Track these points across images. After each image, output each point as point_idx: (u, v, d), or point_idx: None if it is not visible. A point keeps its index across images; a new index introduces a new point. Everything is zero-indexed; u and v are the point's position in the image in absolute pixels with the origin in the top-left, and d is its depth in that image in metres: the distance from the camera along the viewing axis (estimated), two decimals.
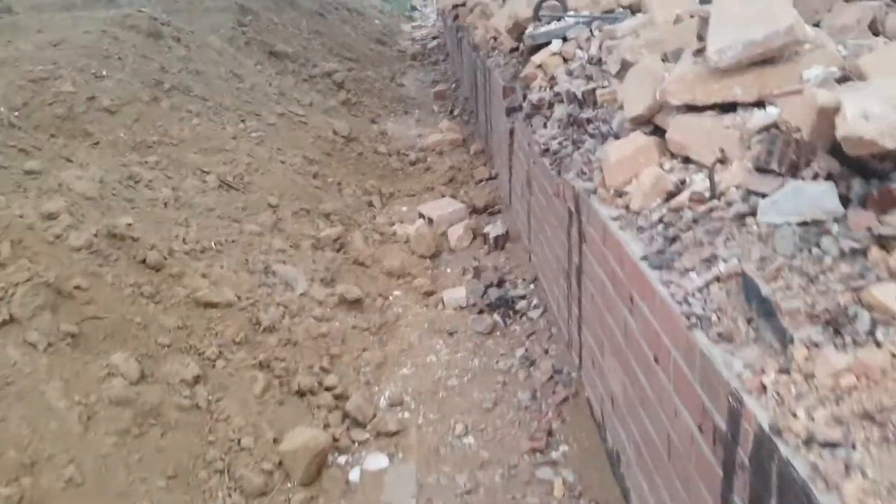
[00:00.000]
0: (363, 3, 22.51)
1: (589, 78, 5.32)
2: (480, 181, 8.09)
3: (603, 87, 5.03)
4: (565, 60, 6.33)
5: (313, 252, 5.75)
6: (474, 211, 7.21)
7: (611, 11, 6.48)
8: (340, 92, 11.39)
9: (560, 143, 5.16)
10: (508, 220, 6.95)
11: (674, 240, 2.99)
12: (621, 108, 4.16)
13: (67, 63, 6.65)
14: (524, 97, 6.91)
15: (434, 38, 19.13)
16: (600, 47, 5.63)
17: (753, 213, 2.60)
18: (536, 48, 6.59)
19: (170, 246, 4.76)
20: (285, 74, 11.09)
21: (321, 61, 12.21)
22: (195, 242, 5.04)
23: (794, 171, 2.56)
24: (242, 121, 7.51)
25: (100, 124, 6.15)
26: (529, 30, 6.71)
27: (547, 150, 5.24)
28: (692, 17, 4.94)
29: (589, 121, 4.89)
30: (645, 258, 2.93)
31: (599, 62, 5.51)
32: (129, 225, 4.60)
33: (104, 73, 6.76)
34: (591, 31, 6.31)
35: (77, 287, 3.78)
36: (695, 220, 2.98)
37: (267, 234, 5.70)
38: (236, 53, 9.46)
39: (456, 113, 11.40)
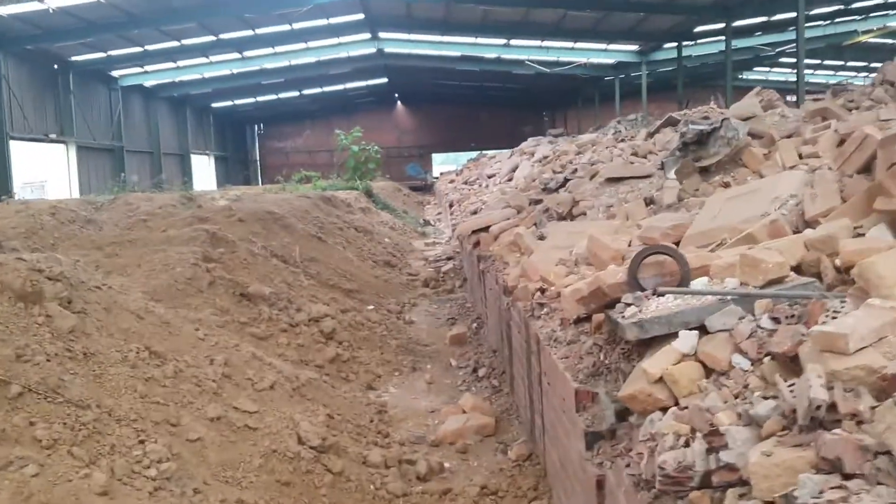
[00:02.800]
0: (373, 221, 20.08)
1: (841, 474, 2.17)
2: None
3: None
4: (709, 371, 3.24)
5: None
6: None
7: (779, 281, 3.44)
8: (329, 346, 8.33)
9: None
10: None
11: None
12: None
13: None
14: (621, 419, 3.78)
15: (449, 258, 16.42)
16: (826, 381, 2.53)
17: None
18: (644, 340, 3.54)
19: None
20: (257, 324, 8.09)
21: (309, 302, 9.24)
22: None
23: None
24: (141, 441, 4.33)
25: None
26: (631, 311, 3.63)
27: None
28: None
29: None
30: None
31: (834, 412, 2.41)
32: None
33: None
34: (755, 319, 3.25)
35: None
36: None
37: None
38: (170, 312, 6.46)
39: (481, 373, 8.25)
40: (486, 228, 10.67)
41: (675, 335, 3.37)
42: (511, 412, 7.09)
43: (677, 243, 5.62)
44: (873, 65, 36.50)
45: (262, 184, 45.75)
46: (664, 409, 3.23)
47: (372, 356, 8.58)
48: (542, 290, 5.92)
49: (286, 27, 28.97)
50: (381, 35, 33.04)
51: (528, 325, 5.84)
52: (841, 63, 41.67)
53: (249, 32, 29.33)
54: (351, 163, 28.14)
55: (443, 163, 56.57)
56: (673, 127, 15.83)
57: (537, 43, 32.67)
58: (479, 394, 7.67)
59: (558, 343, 4.95)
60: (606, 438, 3.82)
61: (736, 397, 2.94)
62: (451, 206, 21.88)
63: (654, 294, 3.72)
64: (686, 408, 3.01)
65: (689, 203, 7.63)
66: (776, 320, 3.16)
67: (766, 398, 2.73)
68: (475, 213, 15.52)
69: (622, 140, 17.31)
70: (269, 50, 33.41)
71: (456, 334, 9.81)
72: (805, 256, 3.72)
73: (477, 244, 10.84)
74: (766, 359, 2.98)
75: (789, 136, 8.76)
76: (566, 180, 12.77)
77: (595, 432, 3.85)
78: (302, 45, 32.97)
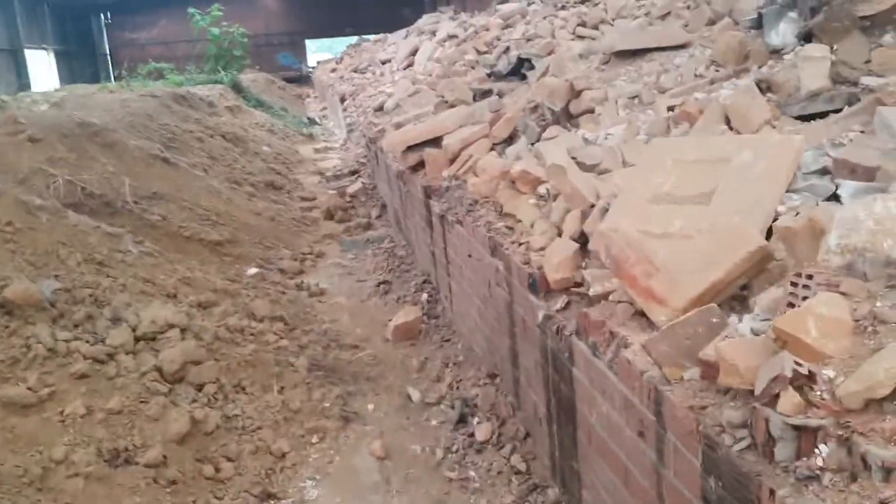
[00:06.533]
0: (246, 123, 15.25)
1: None
2: None
3: None
4: None
5: None
6: None
7: None
8: (177, 401, 4.06)
9: None
10: None
11: None
12: None
13: None
14: None
15: (353, 172, 12.05)
16: None
17: None
18: None
19: None
20: (17, 371, 3.74)
21: (137, 299, 4.82)
22: None
23: None
24: None
25: None
26: None
27: None
28: None
29: None
30: None
31: None
32: None
33: None
34: None
35: None
36: None
37: None
38: None
39: (480, 434, 4.18)
40: (433, 140, 6.44)
41: None
42: None
43: None
44: None
45: (116, 81, 38.66)
46: None
47: (264, 406, 4.35)
48: (798, 380, 1.86)
49: None
50: None
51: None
52: None
53: None
54: (212, 49, 22.41)
55: (317, 51, 50.30)
56: None
57: None
58: (494, 497, 3.65)
59: None
60: None
61: None
62: (342, 100, 17.19)
63: None
64: None
65: (882, 90, 3.63)
66: None
67: None
68: (381, 108, 11.21)
69: (562, 7, 13.08)
70: None
71: (402, 324, 5.65)
72: None
73: (417, 167, 6.61)
74: None
75: None
76: (522, 60, 8.63)
77: None
78: None
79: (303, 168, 13.32)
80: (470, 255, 4.84)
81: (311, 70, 37.91)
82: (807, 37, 4.60)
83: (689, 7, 8.58)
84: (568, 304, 3.34)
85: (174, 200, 7.70)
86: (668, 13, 8.67)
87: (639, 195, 3.26)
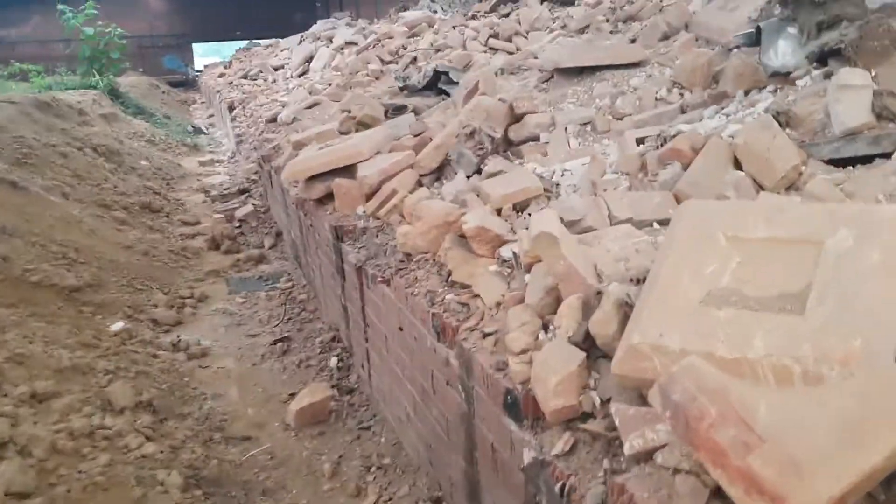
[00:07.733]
0: (122, 133, 13.42)
1: None
2: None
3: None
4: None
5: None
6: None
7: None
8: None
9: None
10: None
11: None
12: None
13: None
14: None
15: (243, 191, 10.56)
16: None
17: None
18: None
19: None
20: None
21: None
22: None
23: None
24: None
25: None
26: None
27: None
28: None
29: None
30: None
31: None
32: None
33: None
34: None
35: None
36: None
37: None
38: None
39: None
40: (346, 169, 5.17)
41: None
42: None
43: None
44: None
45: None
46: None
47: None
48: None
49: None
50: None
51: None
52: None
53: None
54: (85, 51, 20.10)
55: (204, 54, 47.58)
56: None
57: None
58: None
59: None
60: None
61: None
62: (231, 108, 15.56)
63: None
64: None
65: None
66: None
67: None
68: (275, 120, 9.84)
69: (472, 17, 12.24)
70: None
71: (307, 406, 4.35)
72: None
73: (324, 199, 5.34)
74: None
75: None
76: (439, 73, 7.54)
77: None
78: None
79: (185, 184, 11.71)
80: (401, 329, 3.64)
81: (197, 74, 35.58)
82: (820, 59, 3.65)
83: (607, 20, 7.78)
84: (574, 446, 2.20)
85: (21, 235, 6.11)
86: (587, 26, 7.88)
87: (681, 290, 2.13)
